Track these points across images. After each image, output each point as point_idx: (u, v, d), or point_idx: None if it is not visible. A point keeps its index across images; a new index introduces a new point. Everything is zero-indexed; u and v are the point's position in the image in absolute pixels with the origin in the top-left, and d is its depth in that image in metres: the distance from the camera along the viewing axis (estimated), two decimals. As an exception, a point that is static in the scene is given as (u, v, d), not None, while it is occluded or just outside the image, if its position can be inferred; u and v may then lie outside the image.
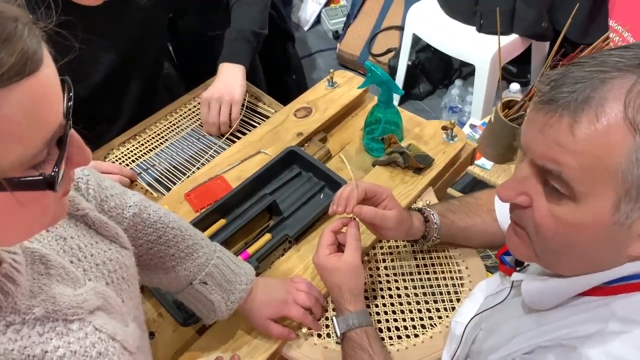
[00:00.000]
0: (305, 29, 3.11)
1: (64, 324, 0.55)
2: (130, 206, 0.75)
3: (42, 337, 0.52)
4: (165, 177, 1.19)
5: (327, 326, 0.90)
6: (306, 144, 1.20)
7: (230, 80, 1.23)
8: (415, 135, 1.20)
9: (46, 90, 0.41)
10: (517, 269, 0.75)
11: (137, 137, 1.27)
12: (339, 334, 0.83)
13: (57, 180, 0.43)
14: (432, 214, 0.93)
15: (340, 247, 0.88)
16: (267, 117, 1.29)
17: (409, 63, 2.46)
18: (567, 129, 0.51)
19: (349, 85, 1.31)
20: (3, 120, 0.38)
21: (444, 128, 1.19)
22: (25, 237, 0.52)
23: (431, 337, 0.89)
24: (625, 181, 0.50)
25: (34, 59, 0.40)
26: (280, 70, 2.11)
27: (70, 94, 0.46)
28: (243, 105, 1.29)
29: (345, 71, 1.36)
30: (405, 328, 0.90)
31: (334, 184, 1.07)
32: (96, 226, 0.66)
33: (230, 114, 1.23)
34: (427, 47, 2.54)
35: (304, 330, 0.88)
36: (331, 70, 1.31)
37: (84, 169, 0.69)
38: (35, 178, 0.42)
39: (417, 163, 1.10)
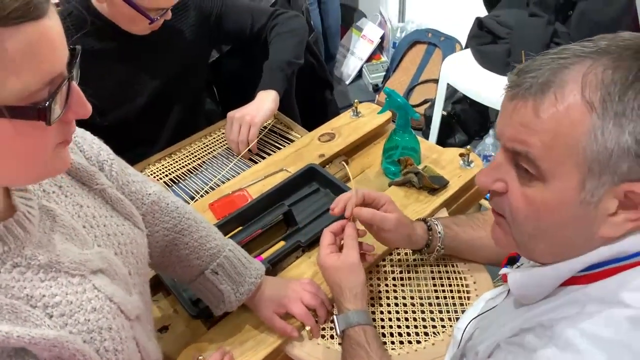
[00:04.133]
0: (347, 82, 3.25)
1: (65, 277, 0.60)
2: (149, 194, 0.82)
3: (42, 283, 0.57)
4: (195, 190, 1.27)
5: (331, 328, 0.92)
6: (327, 165, 1.26)
7: (258, 104, 1.33)
8: (432, 160, 1.24)
9: (47, 38, 0.47)
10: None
11: (172, 155, 1.37)
12: (338, 331, 0.85)
13: (48, 113, 0.48)
14: (436, 224, 0.95)
15: (342, 249, 0.92)
16: (295, 142, 1.36)
17: (444, 113, 2.52)
18: (531, 110, 0.55)
19: (372, 116, 1.37)
20: (4, 55, 0.44)
21: (461, 155, 1.23)
22: (27, 177, 0.56)
23: (433, 344, 0.89)
24: (586, 158, 0.53)
25: (38, 7, 0.46)
26: (318, 115, 2.22)
27: (76, 60, 0.53)
28: (266, 128, 1.37)
29: (371, 103, 1.43)
30: (408, 334, 0.91)
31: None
32: (112, 202, 0.72)
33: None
34: (464, 98, 2.60)
35: (307, 328, 0.91)
36: (356, 101, 1.39)
37: (110, 154, 0.77)
38: (28, 106, 0.47)
39: (431, 183, 1.13)
